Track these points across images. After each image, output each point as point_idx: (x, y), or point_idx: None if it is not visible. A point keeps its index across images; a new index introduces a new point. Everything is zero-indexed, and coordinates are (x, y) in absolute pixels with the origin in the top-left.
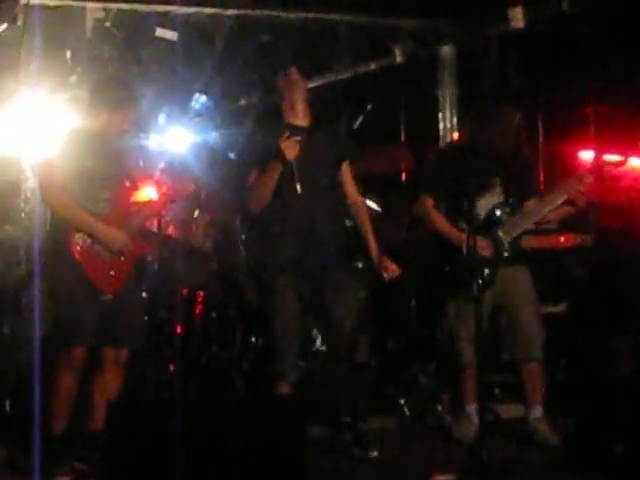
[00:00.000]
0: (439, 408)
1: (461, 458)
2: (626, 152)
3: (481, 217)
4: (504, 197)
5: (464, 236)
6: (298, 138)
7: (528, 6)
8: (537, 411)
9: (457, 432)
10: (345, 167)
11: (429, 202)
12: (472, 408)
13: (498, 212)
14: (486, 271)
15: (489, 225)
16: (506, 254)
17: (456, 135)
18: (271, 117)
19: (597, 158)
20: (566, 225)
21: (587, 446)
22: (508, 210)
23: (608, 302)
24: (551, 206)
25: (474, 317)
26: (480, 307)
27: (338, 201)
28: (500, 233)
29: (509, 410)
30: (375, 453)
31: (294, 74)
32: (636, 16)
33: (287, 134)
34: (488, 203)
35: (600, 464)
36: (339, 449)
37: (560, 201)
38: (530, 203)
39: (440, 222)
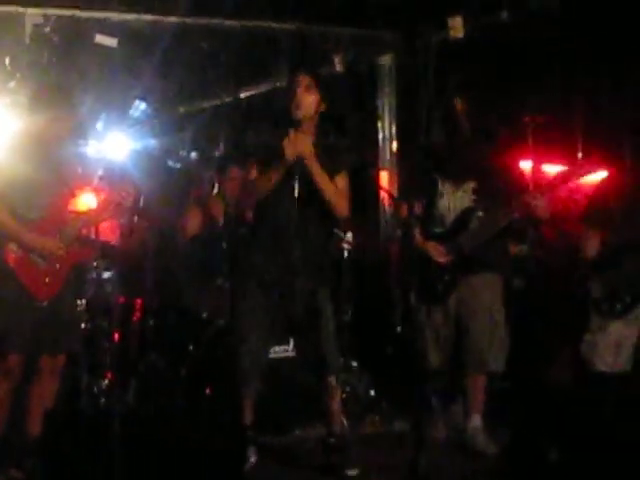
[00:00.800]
0: (377, 418)
1: (399, 466)
2: (563, 162)
3: (448, 221)
4: (476, 202)
5: (424, 243)
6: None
7: (468, 16)
8: (476, 420)
9: (435, 431)
10: (339, 178)
11: (404, 208)
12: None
13: (467, 218)
14: (446, 277)
15: (456, 230)
16: (467, 262)
17: (395, 144)
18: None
19: (561, 173)
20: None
21: (523, 454)
22: (480, 215)
23: (544, 311)
24: (508, 219)
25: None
26: (445, 315)
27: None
28: (462, 240)
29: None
30: (355, 472)
31: (306, 79)
32: (575, 25)
33: (293, 132)
34: (452, 206)
35: (536, 472)
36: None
37: (516, 215)
38: (503, 208)
39: (411, 228)
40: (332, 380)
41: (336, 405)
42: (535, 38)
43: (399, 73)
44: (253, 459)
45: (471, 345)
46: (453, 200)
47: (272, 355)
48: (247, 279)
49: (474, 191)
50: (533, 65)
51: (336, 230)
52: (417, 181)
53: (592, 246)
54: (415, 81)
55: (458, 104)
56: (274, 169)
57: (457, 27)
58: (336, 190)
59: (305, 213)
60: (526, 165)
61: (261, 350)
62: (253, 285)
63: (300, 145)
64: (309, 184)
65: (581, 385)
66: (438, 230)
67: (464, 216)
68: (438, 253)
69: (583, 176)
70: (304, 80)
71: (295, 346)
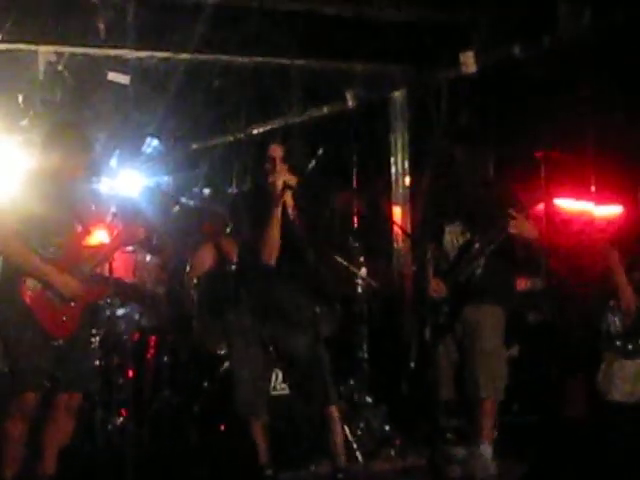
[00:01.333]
0: (392, 452)
1: None
2: (577, 196)
3: (451, 257)
4: (470, 236)
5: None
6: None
7: (480, 51)
8: (485, 448)
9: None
10: None
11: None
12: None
13: (465, 252)
14: (445, 309)
15: (456, 265)
16: (464, 294)
17: (408, 179)
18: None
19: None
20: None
21: None
22: (477, 248)
23: (559, 345)
24: (494, 243)
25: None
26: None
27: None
28: (458, 274)
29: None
30: None
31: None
32: (585, 61)
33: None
34: (455, 242)
35: None
36: None
37: (502, 237)
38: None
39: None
40: (332, 411)
41: (339, 438)
42: (548, 72)
43: (411, 108)
44: None
45: (473, 374)
46: (455, 236)
47: (277, 392)
48: (240, 313)
49: (471, 227)
50: (545, 100)
51: (350, 266)
52: (428, 221)
53: (631, 300)
54: (427, 117)
55: (457, 153)
56: (274, 215)
57: (469, 62)
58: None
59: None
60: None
61: (259, 382)
62: (247, 319)
63: (285, 175)
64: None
65: (597, 416)
66: (443, 267)
67: (462, 249)
68: (433, 289)
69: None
70: (278, 151)
71: (288, 381)
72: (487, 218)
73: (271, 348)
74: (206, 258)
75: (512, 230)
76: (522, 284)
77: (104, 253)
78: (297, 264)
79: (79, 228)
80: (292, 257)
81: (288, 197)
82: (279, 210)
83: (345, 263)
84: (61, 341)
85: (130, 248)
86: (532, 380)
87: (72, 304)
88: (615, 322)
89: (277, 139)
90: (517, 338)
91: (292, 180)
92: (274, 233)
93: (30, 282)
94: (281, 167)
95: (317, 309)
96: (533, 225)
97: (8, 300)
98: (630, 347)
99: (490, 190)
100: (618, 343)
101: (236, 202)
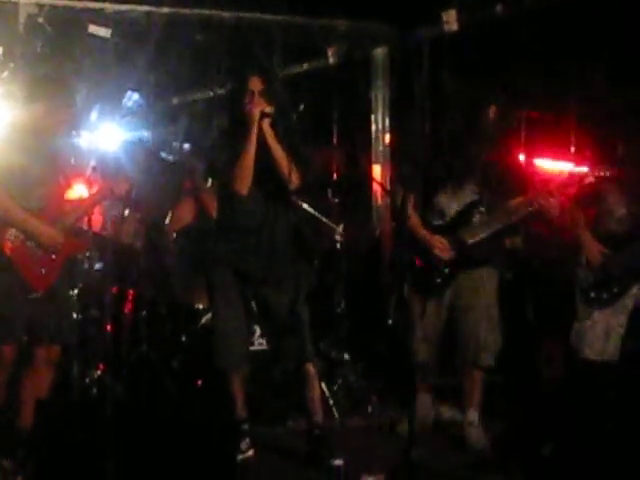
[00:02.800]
0: (369, 409)
1: (390, 458)
2: (556, 157)
3: (449, 214)
4: (479, 196)
5: (425, 233)
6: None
7: (462, 9)
8: (472, 416)
9: (402, 426)
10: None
11: (410, 199)
12: (423, 399)
13: (469, 212)
14: (446, 270)
15: (458, 224)
16: (469, 256)
17: (388, 137)
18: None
19: (572, 174)
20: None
21: (517, 448)
22: (482, 210)
23: (536, 305)
24: (518, 216)
25: (427, 318)
26: (438, 307)
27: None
28: (463, 235)
29: (444, 412)
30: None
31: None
32: (569, 19)
33: (247, 101)
34: (461, 201)
35: (528, 466)
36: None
37: (527, 211)
38: (510, 203)
39: (413, 220)
40: (310, 368)
41: (316, 394)
42: (529, 31)
43: (393, 66)
44: (251, 452)
45: (468, 340)
46: (454, 195)
47: (255, 347)
48: (222, 269)
49: (477, 187)
50: (527, 59)
51: (328, 221)
52: (413, 172)
53: (596, 255)
54: (409, 74)
55: (492, 110)
56: (249, 139)
57: (451, 20)
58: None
59: (270, 198)
60: (529, 161)
61: (239, 337)
62: (228, 275)
63: (261, 103)
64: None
65: (572, 374)
66: (437, 222)
67: (467, 210)
68: (443, 248)
69: (598, 177)
70: (256, 82)
71: (266, 337)
72: (497, 183)
73: (252, 303)
74: (187, 212)
75: (541, 205)
76: None
77: (84, 207)
78: (279, 207)
79: (61, 181)
80: (274, 196)
81: (266, 125)
82: (254, 135)
83: (323, 219)
84: (40, 293)
85: (109, 202)
86: (511, 340)
87: (52, 257)
88: (586, 275)
89: (256, 71)
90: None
91: (268, 109)
92: (248, 160)
93: (11, 233)
94: (259, 99)
95: (299, 265)
96: (558, 201)
97: None
98: (605, 296)
99: (499, 142)
100: (592, 294)
101: (214, 146)
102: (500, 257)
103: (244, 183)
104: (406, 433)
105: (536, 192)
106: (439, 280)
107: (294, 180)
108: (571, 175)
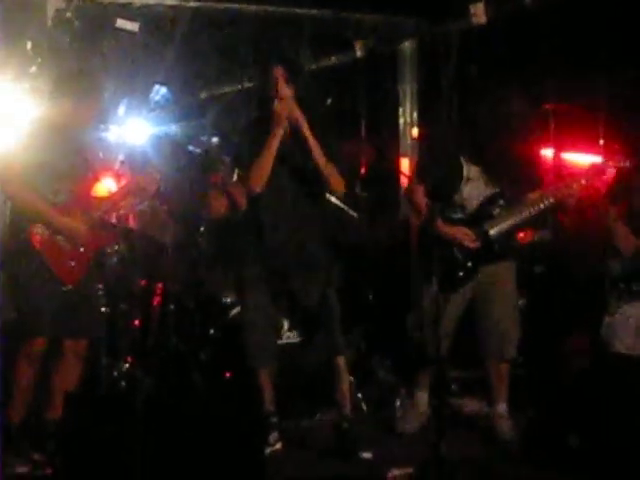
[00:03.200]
0: (397, 402)
1: (419, 452)
2: (585, 150)
3: (470, 208)
4: (499, 190)
5: (449, 228)
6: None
7: (490, 2)
8: (501, 408)
9: (402, 424)
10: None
11: (421, 190)
12: (422, 396)
13: (490, 205)
14: (469, 264)
15: (479, 217)
16: (491, 249)
17: (415, 130)
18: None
19: (596, 164)
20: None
21: (542, 440)
22: (502, 203)
23: (565, 299)
24: (541, 207)
25: (447, 312)
26: (457, 302)
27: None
28: (487, 227)
29: (469, 405)
30: (370, 455)
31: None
32: (598, 10)
33: (276, 102)
34: (476, 193)
35: (555, 458)
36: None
37: (551, 202)
38: (530, 196)
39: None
40: (340, 361)
41: (345, 387)
42: (558, 23)
43: (420, 59)
44: (279, 445)
45: (491, 333)
46: (475, 189)
47: (284, 341)
48: (251, 263)
49: (498, 180)
50: (556, 52)
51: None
52: (439, 164)
53: (630, 246)
54: (436, 67)
55: (515, 103)
56: (272, 138)
57: (479, 13)
58: (328, 162)
59: (301, 193)
60: (549, 153)
61: (268, 331)
62: (257, 269)
63: (290, 109)
64: (301, 162)
65: (600, 368)
66: (457, 216)
67: (487, 204)
68: (469, 238)
69: (617, 167)
70: (280, 71)
71: (299, 331)
72: (517, 176)
73: (282, 297)
74: (222, 202)
75: (558, 198)
76: (529, 236)
77: (112, 200)
78: (310, 203)
79: (88, 175)
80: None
81: (303, 122)
82: (277, 138)
83: (352, 212)
84: (70, 287)
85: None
86: (537, 332)
87: (81, 249)
88: (616, 266)
89: (276, 59)
90: (524, 290)
91: (297, 112)
92: (267, 158)
93: (39, 227)
94: (285, 92)
95: (329, 258)
96: (575, 192)
97: (17, 245)
98: (635, 288)
99: (521, 134)
100: (622, 285)
101: (241, 140)
102: (517, 249)
103: (259, 181)
104: (408, 432)
105: (553, 185)
106: (462, 274)
107: (336, 185)
108: (592, 166)
